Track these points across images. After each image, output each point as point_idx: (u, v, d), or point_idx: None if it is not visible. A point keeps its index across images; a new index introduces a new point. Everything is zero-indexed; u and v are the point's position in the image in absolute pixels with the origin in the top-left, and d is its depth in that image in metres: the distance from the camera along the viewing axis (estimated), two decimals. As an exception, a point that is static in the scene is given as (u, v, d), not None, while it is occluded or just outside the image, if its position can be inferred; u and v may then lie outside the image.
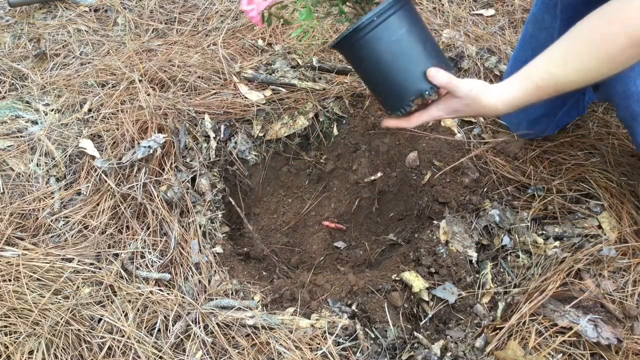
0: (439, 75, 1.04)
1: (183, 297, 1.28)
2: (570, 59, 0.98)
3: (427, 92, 1.06)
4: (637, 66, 1.09)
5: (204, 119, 1.70)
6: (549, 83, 1.00)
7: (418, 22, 1.08)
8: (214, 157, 1.67)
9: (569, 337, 1.15)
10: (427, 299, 1.29)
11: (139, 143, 1.54)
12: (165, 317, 1.24)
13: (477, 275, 1.35)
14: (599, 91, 1.44)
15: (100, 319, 1.23)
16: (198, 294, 1.31)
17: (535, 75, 1.02)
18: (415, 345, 1.23)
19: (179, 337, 1.21)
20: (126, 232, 1.42)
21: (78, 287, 1.28)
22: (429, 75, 1.05)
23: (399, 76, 1.07)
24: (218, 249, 1.47)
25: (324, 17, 1.14)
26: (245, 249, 1.64)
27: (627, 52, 0.93)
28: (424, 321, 1.28)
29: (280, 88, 1.83)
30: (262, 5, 1.08)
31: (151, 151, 1.51)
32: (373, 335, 1.24)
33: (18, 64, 1.93)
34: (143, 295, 1.27)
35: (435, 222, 1.46)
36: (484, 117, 1.13)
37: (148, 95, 1.74)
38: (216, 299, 1.30)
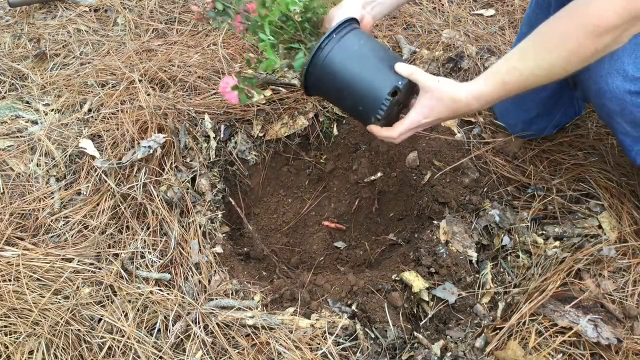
0: (405, 67, 1.10)
1: (183, 297, 1.28)
2: (533, 54, 1.02)
3: (399, 83, 1.10)
4: (607, 64, 1.11)
5: (204, 119, 1.70)
6: (515, 78, 1.03)
7: (372, 37, 1.18)
8: (214, 157, 1.67)
9: (569, 337, 1.15)
10: (427, 299, 1.29)
11: (139, 143, 1.54)
12: (165, 317, 1.24)
13: (477, 275, 1.35)
14: (578, 91, 1.45)
15: (100, 319, 1.23)
16: (198, 294, 1.31)
17: (502, 70, 1.04)
18: (415, 345, 1.23)
19: (179, 337, 1.21)
20: (126, 232, 1.42)
21: (78, 287, 1.28)
22: (397, 69, 1.10)
23: (369, 78, 1.11)
24: (218, 249, 1.47)
25: (286, 55, 1.19)
26: (245, 249, 1.64)
27: (585, 45, 0.96)
28: (424, 321, 1.28)
29: (280, 88, 1.83)
30: (230, 83, 1.17)
31: (151, 151, 1.51)
32: (373, 335, 1.24)
33: (18, 64, 1.93)
34: (143, 295, 1.27)
35: (435, 222, 1.46)
36: (460, 116, 1.16)
37: (148, 95, 1.74)
38: (216, 299, 1.30)
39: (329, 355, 1.17)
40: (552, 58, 1.00)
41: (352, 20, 1.16)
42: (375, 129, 1.16)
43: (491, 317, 1.26)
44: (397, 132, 1.14)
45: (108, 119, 1.68)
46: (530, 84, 1.04)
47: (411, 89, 1.14)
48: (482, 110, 1.68)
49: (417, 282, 1.30)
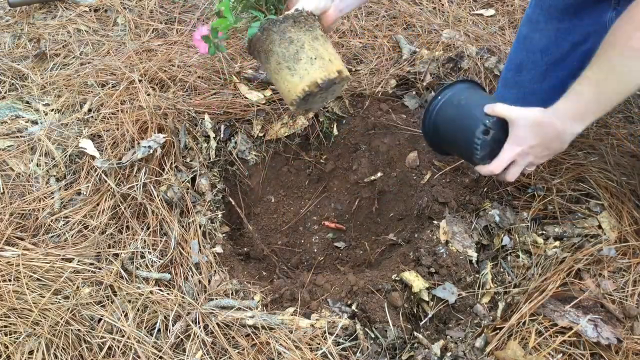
0: (493, 107, 1.16)
1: (183, 297, 1.28)
2: (607, 62, 1.02)
3: (487, 121, 1.18)
4: None
5: (204, 119, 1.70)
6: (588, 87, 1.04)
7: (477, 87, 1.37)
8: (214, 157, 1.67)
9: (569, 337, 1.15)
10: (427, 299, 1.29)
11: (139, 143, 1.54)
12: (165, 317, 1.24)
13: (477, 275, 1.35)
14: None
15: (100, 319, 1.23)
16: (198, 294, 1.31)
17: (576, 84, 1.05)
18: (415, 345, 1.23)
19: (179, 337, 1.21)
20: (126, 232, 1.42)
21: (78, 287, 1.28)
22: (487, 111, 1.17)
23: (464, 123, 1.25)
24: (218, 249, 1.47)
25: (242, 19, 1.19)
26: (245, 249, 1.63)
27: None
28: (424, 321, 1.28)
29: (280, 88, 1.82)
30: (201, 32, 1.16)
31: (151, 151, 1.51)
32: (373, 335, 1.24)
33: (18, 64, 1.93)
34: (143, 295, 1.27)
35: (435, 222, 1.46)
36: (555, 140, 1.14)
37: (148, 95, 1.74)
38: (216, 299, 1.30)
39: (329, 355, 1.17)
40: (624, 60, 0.99)
41: (465, 81, 1.36)
42: (479, 168, 1.23)
43: (491, 317, 1.26)
44: (493, 166, 1.18)
45: (108, 119, 1.68)
46: (609, 91, 1.04)
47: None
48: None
49: (417, 282, 1.30)
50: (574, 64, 1.37)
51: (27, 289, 1.25)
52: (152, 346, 1.19)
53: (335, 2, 1.24)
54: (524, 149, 1.14)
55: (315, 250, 1.71)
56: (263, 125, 1.77)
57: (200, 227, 1.47)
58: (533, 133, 1.12)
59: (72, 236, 1.41)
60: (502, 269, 1.36)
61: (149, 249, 1.40)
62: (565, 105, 1.08)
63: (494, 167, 1.18)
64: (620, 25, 1.01)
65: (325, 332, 1.22)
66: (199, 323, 1.22)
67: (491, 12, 2.18)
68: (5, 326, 1.20)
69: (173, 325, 1.23)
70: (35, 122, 1.71)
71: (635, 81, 1.03)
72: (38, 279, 1.29)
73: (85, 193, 1.51)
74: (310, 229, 1.78)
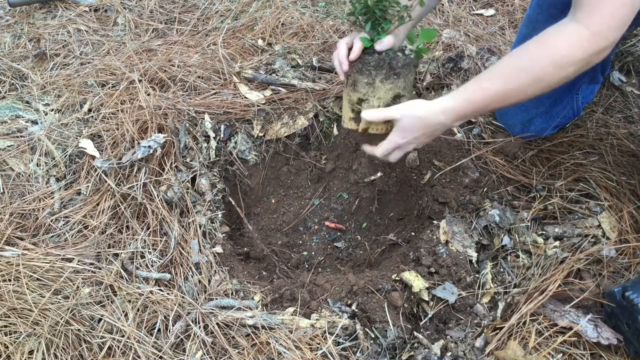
0: (377, 112, 1.23)
1: (183, 297, 1.28)
2: (501, 77, 1.10)
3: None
4: None
5: (204, 119, 1.70)
6: (481, 97, 1.11)
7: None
8: (214, 157, 1.67)
9: (569, 337, 1.15)
10: (427, 299, 1.29)
11: (139, 143, 1.54)
12: (165, 317, 1.24)
13: (477, 275, 1.35)
14: None
15: (100, 319, 1.23)
16: (198, 294, 1.31)
17: (471, 89, 1.13)
18: (415, 345, 1.23)
19: (179, 337, 1.21)
20: (126, 232, 1.42)
21: (78, 287, 1.28)
22: (368, 117, 1.24)
23: None
24: (218, 249, 1.47)
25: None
26: (245, 249, 1.63)
27: (550, 73, 1.04)
28: (424, 321, 1.28)
29: (280, 88, 1.83)
30: None
31: (151, 151, 1.51)
32: (373, 335, 1.24)
33: (18, 64, 1.93)
34: (143, 295, 1.27)
35: (435, 222, 1.46)
36: (436, 130, 1.23)
37: (148, 95, 1.74)
38: (216, 299, 1.30)
39: (329, 355, 1.17)
40: (519, 81, 1.07)
41: None
42: (365, 147, 1.33)
43: (491, 317, 1.26)
44: (379, 152, 1.27)
45: (108, 119, 1.68)
46: (496, 103, 1.12)
47: None
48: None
49: (417, 282, 1.30)
50: None
51: (27, 289, 1.25)
52: (152, 346, 1.19)
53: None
54: (407, 140, 1.22)
55: (315, 250, 1.71)
56: (263, 125, 1.77)
57: (200, 227, 1.47)
58: (416, 126, 1.19)
59: (72, 236, 1.41)
60: (502, 269, 1.36)
61: (149, 249, 1.40)
62: (453, 104, 1.14)
63: (379, 152, 1.27)
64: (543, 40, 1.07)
65: (325, 332, 1.22)
66: (199, 323, 1.22)
67: (491, 12, 2.19)
68: (5, 326, 1.20)
69: (173, 325, 1.23)
70: (35, 122, 1.71)
71: (521, 99, 1.11)
72: (38, 279, 1.29)
73: (85, 193, 1.50)
74: (311, 229, 1.78)
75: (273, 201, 1.83)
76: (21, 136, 1.66)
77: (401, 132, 1.21)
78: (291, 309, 1.29)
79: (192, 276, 1.34)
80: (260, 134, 1.76)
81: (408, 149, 1.26)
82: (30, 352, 1.17)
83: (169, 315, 1.24)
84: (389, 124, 1.26)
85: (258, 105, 1.76)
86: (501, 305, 1.28)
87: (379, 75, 1.23)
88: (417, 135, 1.21)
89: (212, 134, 1.68)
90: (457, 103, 1.13)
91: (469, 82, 1.15)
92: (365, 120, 1.27)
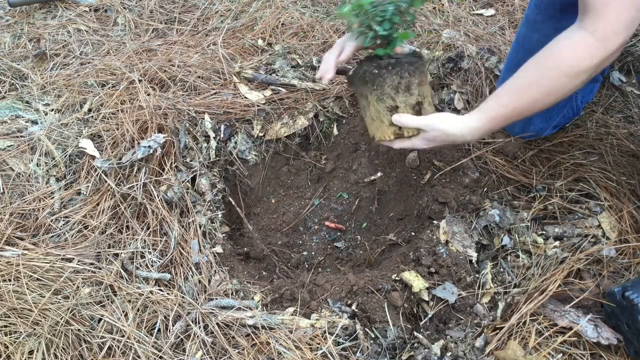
0: (403, 118, 1.25)
1: (183, 297, 1.28)
2: (515, 91, 1.13)
3: None
4: None
5: (204, 119, 1.70)
6: (501, 114, 1.15)
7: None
8: (214, 157, 1.67)
9: (569, 337, 1.15)
10: (427, 298, 1.29)
11: (139, 143, 1.54)
12: (165, 317, 1.24)
13: (477, 275, 1.35)
14: None
15: (100, 319, 1.23)
16: (198, 294, 1.31)
17: (491, 108, 1.17)
18: (415, 345, 1.23)
19: (179, 337, 1.21)
20: (126, 232, 1.42)
21: (78, 287, 1.28)
22: (395, 120, 1.26)
23: None
24: (218, 249, 1.47)
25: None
26: (245, 249, 1.63)
27: (561, 83, 1.07)
28: (424, 321, 1.28)
29: (280, 88, 1.83)
30: None
31: (151, 151, 1.51)
32: (373, 335, 1.24)
33: (18, 64, 1.93)
34: (143, 295, 1.27)
35: (435, 222, 1.46)
36: (458, 144, 1.36)
37: (148, 95, 1.74)
38: (216, 298, 1.30)
39: (329, 355, 1.17)
40: (532, 95, 1.11)
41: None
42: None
43: (491, 317, 1.26)
44: (396, 145, 1.32)
45: (108, 119, 1.68)
46: (517, 117, 1.17)
47: None
48: (450, 111, 1.73)
49: (417, 282, 1.30)
50: None
51: (27, 289, 1.25)
52: (152, 346, 1.19)
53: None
54: (429, 146, 1.29)
55: (315, 250, 1.71)
56: (263, 125, 1.77)
57: (200, 227, 1.47)
58: (442, 141, 1.25)
59: (72, 236, 1.41)
60: (502, 269, 1.36)
61: (149, 249, 1.40)
62: (477, 125, 1.18)
63: (397, 145, 1.32)
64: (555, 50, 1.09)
65: (325, 332, 1.22)
66: (199, 323, 1.22)
67: (491, 12, 2.18)
68: (5, 326, 1.20)
69: (173, 325, 1.23)
70: (35, 122, 1.71)
71: (539, 109, 1.15)
72: (38, 279, 1.29)
73: (85, 193, 1.50)
74: (311, 229, 1.78)
75: (273, 201, 1.83)
76: (21, 136, 1.66)
77: (426, 141, 1.27)
78: (291, 309, 1.29)
79: (192, 276, 1.34)
80: (260, 134, 1.76)
81: (421, 149, 1.36)
82: (30, 352, 1.17)
83: (169, 315, 1.24)
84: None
85: (258, 105, 1.76)
86: (501, 305, 1.28)
87: (403, 79, 1.25)
88: (439, 145, 1.29)
89: (212, 134, 1.68)
90: (481, 124, 1.18)
91: (489, 100, 1.18)
92: (397, 127, 1.28)
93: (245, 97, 1.79)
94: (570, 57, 1.04)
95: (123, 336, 1.20)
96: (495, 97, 1.17)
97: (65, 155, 1.60)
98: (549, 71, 1.07)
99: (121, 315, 1.24)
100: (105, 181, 1.49)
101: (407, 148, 1.33)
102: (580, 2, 1.04)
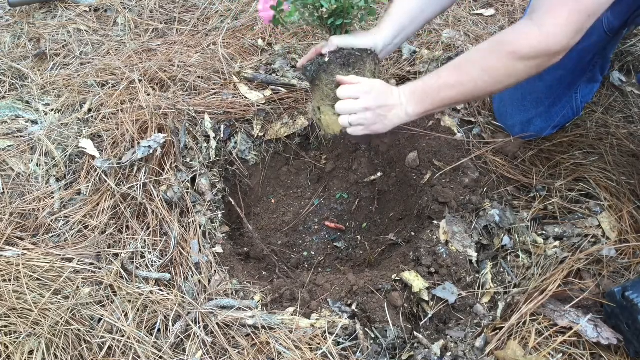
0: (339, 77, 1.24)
1: (183, 297, 1.28)
2: (454, 67, 1.15)
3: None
4: None
5: (204, 119, 1.70)
6: (437, 84, 1.16)
7: None
8: (214, 157, 1.67)
9: (569, 337, 1.15)
10: (427, 298, 1.29)
11: (139, 143, 1.54)
12: (165, 317, 1.24)
13: (477, 275, 1.35)
14: None
15: (100, 319, 1.23)
16: (198, 294, 1.31)
17: (428, 78, 1.18)
18: (415, 345, 1.23)
19: (179, 337, 1.21)
20: (126, 232, 1.42)
21: (78, 287, 1.28)
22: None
23: None
24: (218, 249, 1.47)
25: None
26: (245, 249, 1.63)
27: (498, 66, 1.08)
28: (424, 321, 1.28)
29: (280, 88, 1.83)
30: (270, 2, 1.25)
31: (151, 151, 1.51)
32: (373, 335, 1.24)
33: (18, 64, 1.93)
34: (143, 295, 1.27)
35: (435, 222, 1.46)
36: (393, 116, 1.24)
37: (148, 95, 1.74)
38: (216, 298, 1.30)
39: (329, 355, 1.17)
40: (470, 72, 1.12)
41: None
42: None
43: (491, 317, 1.26)
44: (350, 130, 1.27)
45: (108, 119, 1.68)
46: (451, 92, 1.16)
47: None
48: (450, 110, 1.71)
49: (417, 282, 1.30)
50: (570, 63, 1.37)
51: (27, 289, 1.25)
52: (152, 346, 1.19)
53: (388, 48, 1.34)
54: (368, 102, 1.21)
55: (315, 250, 1.71)
56: (263, 125, 1.77)
57: (200, 227, 1.47)
58: (383, 91, 1.21)
59: (72, 236, 1.41)
60: (502, 269, 1.36)
61: (149, 249, 1.40)
62: (411, 87, 1.19)
63: (350, 130, 1.27)
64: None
65: (325, 332, 1.22)
66: (199, 323, 1.22)
67: (491, 12, 2.18)
68: (5, 326, 1.20)
69: (173, 325, 1.23)
70: (35, 122, 1.71)
71: (476, 93, 1.16)
72: (38, 279, 1.29)
73: (85, 193, 1.51)
74: (311, 229, 1.78)
75: (273, 201, 1.83)
76: (21, 136, 1.66)
77: (363, 95, 1.22)
78: (291, 309, 1.29)
79: (192, 276, 1.34)
80: (260, 134, 1.76)
81: (365, 122, 1.24)
82: (30, 352, 1.17)
83: (169, 315, 1.24)
84: None
85: (258, 105, 1.76)
86: (501, 305, 1.28)
87: (334, 71, 1.26)
88: (379, 103, 1.20)
89: (212, 134, 1.68)
90: (413, 87, 1.18)
91: (428, 75, 1.20)
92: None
93: (245, 97, 1.79)
94: (510, 40, 1.06)
95: (123, 336, 1.20)
96: (436, 71, 1.18)
97: (65, 155, 1.60)
98: (491, 53, 1.09)
99: (121, 315, 1.24)
100: (105, 181, 1.49)
101: (357, 124, 1.25)
102: (534, 2, 1.06)
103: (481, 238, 1.42)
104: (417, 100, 1.20)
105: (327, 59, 1.25)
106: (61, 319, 1.20)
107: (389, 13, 1.33)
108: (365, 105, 1.21)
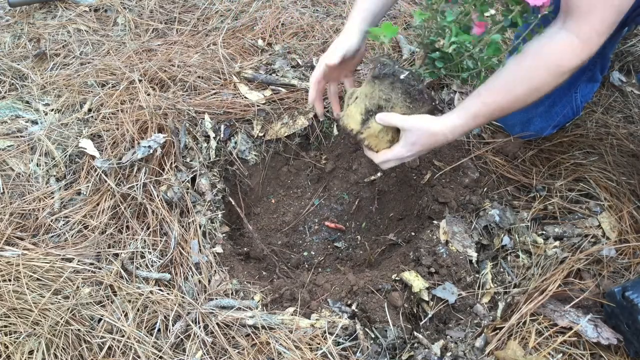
0: (388, 117, 1.21)
1: (183, 297, 1.28)
2: (500, 90, 1.14)
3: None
4: None
5: (204, 119, 1.70)
6: (483, 112, 1.16)
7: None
8: (214, 157, 1.67)
9: (569, 337, 1.15)
10: (427, 298, 1.29)
11: (139, 143, 1.54)
12: (165, 317, 1.24)
13: (477, 275, 1.35)
14: None
15: (100, 319, 1.23)
16: (198, 294, 1.31)
17: (473, 105, 1.16)
18: (415, 345, 1.23)
19: (179, 337, 1.21)
20: (126, 232, 1.42)
21: (78, 287, 1.28)
22: (379, 120, 1.22)
23: None
24: (218, 249, 1.47)
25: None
26: (245, 249, 1.63)
27: (547, 82, 1.09)
28: (424, 321, 1.28)
29: (280, 88, 1.83)
30: None
31: (151, 151, 1.51)
32: (373, 335, 1.24)
33: (18, 64, 1.93)
34: (143, 295, 1.27)
35: (435, 222, 1.46)
36: (440, 146, 1.29)
37: (148, 95, 1.74)
38: (216, 299, 1.30)
39: (329, 355, 1.17)
40: (518, 93, 1.12)
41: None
42: (367, 152, 1.32)
43: (491, 317, 1.26)
44: (379, 159, 1.28)
45: (108, 119, 1.68)
46: (498, 114, 1.18)
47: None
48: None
49: (417, 282, 1.30)
50: None
51: (27, 289, 1.25)
52: (152, 346, 1.19)
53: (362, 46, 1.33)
54: (412, 153, 1.23)
55: (315, 250, 1.71)
56: (263, 125, 1.77)
57: (200, 227, 1.47)
58: (426, 142, 1.21)
59: (72, 236, 1.41)
60: (502, 269, 1.36)
61: (149, 249, 1.40)
62: (459, 123, 1.17)
63: (379, 159, 1.28)
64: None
65: (325, 332, 1.22)
66: (199, 323, 1.22)
67: (491, 12, 2.18)
68: (5, 326, 1.20)
69: (173, 325, 1.23)
70: (35, 122, 1.71)
71: (519, 108, 1.16)
72: (38, 279, 1.29)
73: (85, 193, 1.51)
74: (311, 229, 1.78)
75: (273, 201, 1.83)
76: (21, 136, 1.66)
77: (409, 146, 1.22)
78: (291, 309, 1.29)
79: (192, 276, 1.34)
80: (260, 134, 1.76)
81: (406, 160, 1.28)
82: (30, 352, 1.17)
83: (169, 315, 1.24)
84: (394, 138, 1.25)
85: (258, 105, 1.76)
86: (501, 305, 1.28)
87: (400, 91, 1.21)
88: (422, 150, 1.23)
89: (212, 134, 1.68)
90: (463, 121, 1.17)
91: (470, 97, 1.18)
92: (374, 126, 1.23)
93: (245, 97, 1.79)
94: (557, 58, 1.06)
95: (123, 336, 1.20)
96: (477, 95, 1.17)
97: (65, 155, 1.60)
98: (535, 71, 1.09)
99: (121, 315, 1.24)
100: (105, 181, 1.49)
101: (389, 160, 1.26)
102: (564, 3, 1.06)
103: (481, 238, 1.42)
104: (465, 132, 1.22)
105: (402, 77, 1.20)
106: (61, 319, 1.20)
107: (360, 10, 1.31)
108: (409, 157, 1.25)
